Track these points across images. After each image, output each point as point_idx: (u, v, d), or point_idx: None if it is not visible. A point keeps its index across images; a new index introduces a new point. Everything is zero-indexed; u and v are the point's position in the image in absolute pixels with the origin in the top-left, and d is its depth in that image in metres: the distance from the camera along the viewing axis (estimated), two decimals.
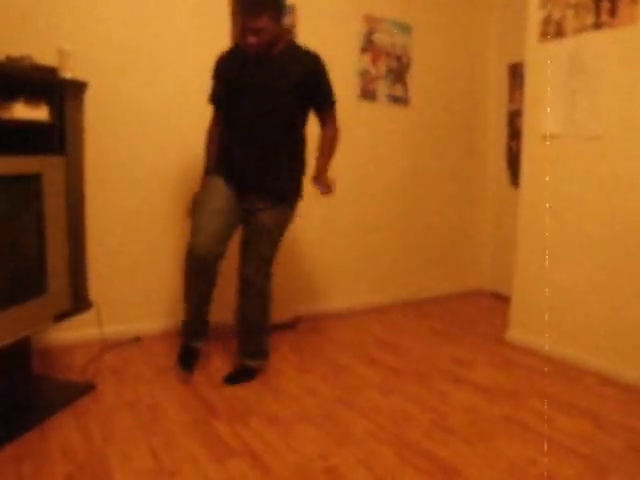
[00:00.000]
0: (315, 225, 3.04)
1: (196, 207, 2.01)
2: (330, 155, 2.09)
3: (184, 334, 2.17)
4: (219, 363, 2.32)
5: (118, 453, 1.59)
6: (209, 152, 2.13)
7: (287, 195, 2.04)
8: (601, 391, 2.06)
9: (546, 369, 2.29)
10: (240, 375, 2.12)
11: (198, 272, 1.97)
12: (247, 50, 1.90)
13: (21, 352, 1.86)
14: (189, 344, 2.17)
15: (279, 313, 2.82)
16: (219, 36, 2.68)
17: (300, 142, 2.06)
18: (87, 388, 1.99)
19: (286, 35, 1.99)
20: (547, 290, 2.46)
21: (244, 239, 2.07)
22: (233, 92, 1.98)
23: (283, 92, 1.93)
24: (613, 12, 2.12)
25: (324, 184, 2.07)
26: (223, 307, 2.78)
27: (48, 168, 1.82)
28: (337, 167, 3.06)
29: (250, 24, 1.81)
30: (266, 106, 1.94)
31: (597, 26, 2.19)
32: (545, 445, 1.66)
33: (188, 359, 2.15)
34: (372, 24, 3.07)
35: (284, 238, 2.18)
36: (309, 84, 1.95)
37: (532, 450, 1.63)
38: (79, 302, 2.02)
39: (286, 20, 2.81)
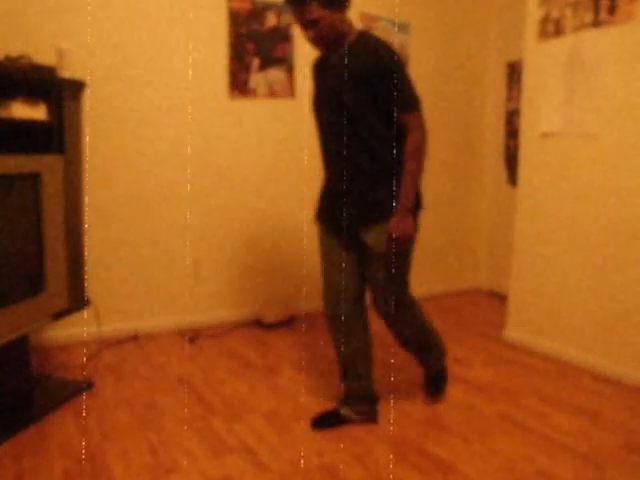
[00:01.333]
0: (312, 222, 3.05)
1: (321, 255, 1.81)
2: (406, 177, 1.63)
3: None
4: (221, 361, 2.33)
5: (116, 450, 1.60)
6: None
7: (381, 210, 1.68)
8: (598, 389, 2.07)
9: (543, 367, 2.30)
10: (435, 386, 1.98)
11: (333, 330, 1.79)
12: (316, 48, 1.69)
13: (20, 350, 1.87)
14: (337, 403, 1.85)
15: (275, 311, 2.83)
16: (218, 36, 2.68)
17: (389, 149, 1.67)
18: (85, 386, 2.00)
19: (352, 27, 1.68)
20: (544, 289, 2.47)
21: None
22: (314, 104, 1.76)
23: (351, 97, 1.62)
24: (612, 10, 2.12)
25: (395, 225, 1.62)
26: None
27: (46, 167, 1.82)
28: None
29: (301, 17, 1.62)
30: (337, 115, 1.65)
31: (596, 24, 2.19)
32: (542, 443, 1.67)
33: (325, 419, 1.80)
34: (369, 22, 3.07)
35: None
36: (376, 83, 1.62)
37: (529, 448, 1.64)
38: (77, 300, 2.02)
39: (283, 20, 2.81)
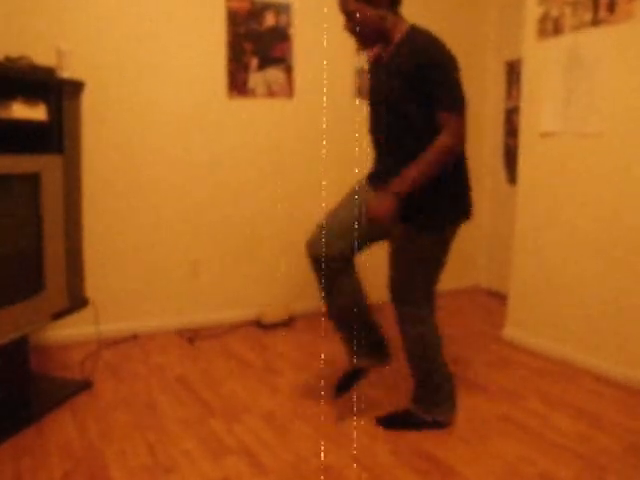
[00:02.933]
0: (311, 222, 3.05)
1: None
2: (419, 164, 1.56)
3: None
4: (220, 361, 2.33)
5: (115, 450, 1.60)
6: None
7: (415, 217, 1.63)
8: (599, 390, 2.06)
9: (543, 368, 2.29)
10: (395, 419, 1.79)
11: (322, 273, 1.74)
12: (356, 43, 1.69)
13: (19, 350, 1.87)
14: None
15: (275, 311, 2.83)
16: (217, 35, 2.67)
17: (421, 150, 1.60)
18: (84, 385, 2.00)
19: (401, 25, 1.65)
20: (544, 288, 2.46)
21: None
22: (369, 98, 1.77)
23: (399, 98, 1.60)
24: (611, 8, 2.12)
25: (372, 203, 1.58)
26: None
27: (46, 167, 1.82)
28: (331, 164, 3.05)
29: (341, 7, 1.62)
30: (383, 113, 1.65)
31: (595, 23, 2.18)
32: (542, 445, 1.67)
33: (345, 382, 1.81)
34: None
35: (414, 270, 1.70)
36: (420, 79, 1.57)
37: (529, 449, 1.63)
38: (76, 300, 2.02)
39: (281, 20, 2.81)
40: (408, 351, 1.78)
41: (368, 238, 1.75)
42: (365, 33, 1.65)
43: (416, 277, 1.69)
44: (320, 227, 1.74)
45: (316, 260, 1.73)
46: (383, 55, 1.69)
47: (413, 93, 1.59)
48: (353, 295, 1.76)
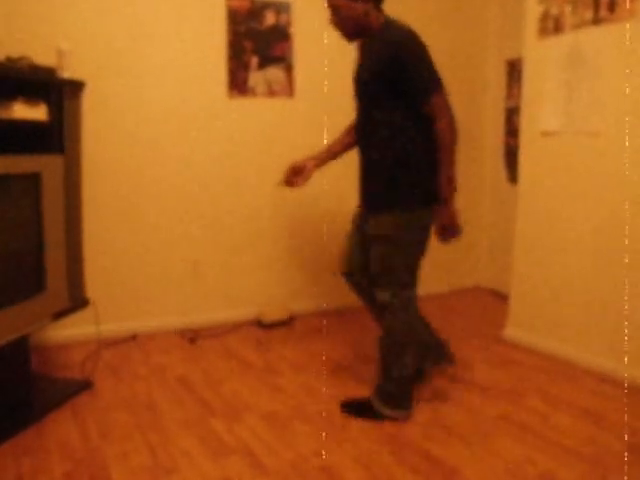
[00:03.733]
0: (311, 221, 3.04)
1: None
2: (442, 166, 1.62)
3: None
4: (221, 361, 2.32)
5: (115, 450, 1.60)
6: None
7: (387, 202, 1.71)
8: (601, 390, 2.05)
9: (545, 367, 2.29)
10: (356, 407, 1.83)
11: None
12: (341, 36, 1.76)
13: (19, 350, 1.87)
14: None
15: (275, 311, 2.83)
16: (217, 34, 2.67)
17: (402, 140, 1.67)
18: (84, 385, 2.00)
19: (380, 19, 1.71)
20: (545, 287, 2.46)
21: None
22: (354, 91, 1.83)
23: (370, 82, 1.68)
24: (612, 7, 2.11)
25: (441, 222, 1.65)
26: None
27: (46, 167, 1.82)
28: (332, 163, 3.05)
29: (327, 1, 1.69)
30: (363, 103, 1.73)
31: (596, 21, 2.18)
32: (544, 445, 1.66)
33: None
34: None
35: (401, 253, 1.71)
36: (395, 69, 1.62)
37: (531, 450, 1.63)
38: (77, 300, 2.02)
39: (282, 18, 2.80)
40: (380, 339, 1.81)
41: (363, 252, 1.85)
42: (349, 27, 1.72)
43: (395, 263, 1.70)
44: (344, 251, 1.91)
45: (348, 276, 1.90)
46: (364, 48, 1.76)
47: (387, 85, 1.65)
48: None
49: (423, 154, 1.68)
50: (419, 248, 1.73)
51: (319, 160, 2.00)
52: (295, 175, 1.96)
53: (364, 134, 1.75)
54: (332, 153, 2.01)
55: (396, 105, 1.66)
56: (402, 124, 1.66)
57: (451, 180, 1.64)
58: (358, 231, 1.87)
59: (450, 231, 1.69)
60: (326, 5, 1.70)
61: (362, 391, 2.02)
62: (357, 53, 1.84)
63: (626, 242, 2.13)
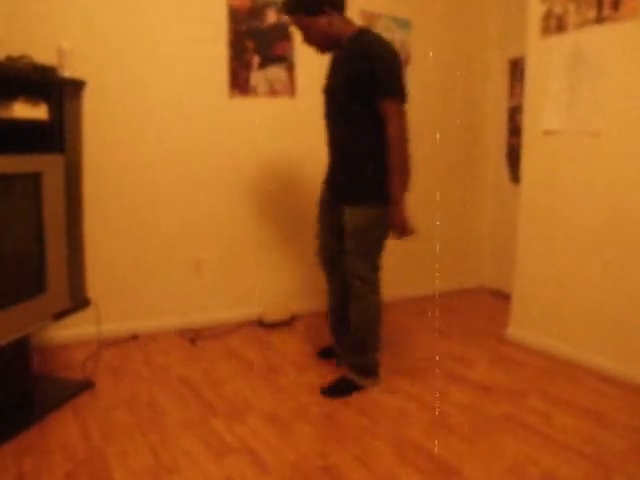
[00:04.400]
0: (314, 221, 3.04)
1: None
2: (393, 172, 1.75)
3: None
4: (222, 361, 2.32)
5: (117, 450, 1.60)
6: None
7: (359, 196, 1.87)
8: (603, 390, 2.04)
9: (547, 367, 2.28)
10: (337, 388, 1.98)
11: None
12: (316, 51, 1.92)
13: (21, 350, 1.86)
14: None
15: (276, 311, 2.82)
16: (218, 33, 2.67)
17: (367, 139, 1.81)
18: (86, 386, 2.00)
19: (348, 28, 1.82)
20: (548, 287, 2.45)
21: None
22: (323, 93, 1.97)
23: (339, 90, 1.82)
24: (616, 6, 2.10)
25: (392, 221, 1.81)
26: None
27: (47, 167, 1.82)
28: None
29: (294, 25, 1.85)
30: (332, 108, 1.88)
31: (599, 20, 2.17)
32: (547, 444, 1.66)
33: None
34: (370, 20, 3.05)
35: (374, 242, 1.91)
36: (363, 75, 1.74)
37: (533, 449, 1.62)
38: (78, 300, 2.02)
39: (283, 17, 2.80)
40: (354, 322, 1.97)
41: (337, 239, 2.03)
42: (320, 41, 1.83)
43: (367, 255, 1.89)
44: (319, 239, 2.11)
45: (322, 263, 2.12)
46: (336, 54, 1.87)
47: (354, 90, 1.76)
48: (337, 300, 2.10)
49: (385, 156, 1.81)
50: (380, 239, 1.91)
51: None
52: None
53: (335, 141, 1.90)
54: None
55: (365, 108, 1.77)
56: (369, 126, 1.79)
57: (400, 182, 1.76)
58: (326, 215, 2.06)
59: (400, 231, 1.83)
60: (294, 27, 1.82)
61: (362, 391, 2.01)
62: (329, 64, 1.94)
63: (629, 241, 2.12)
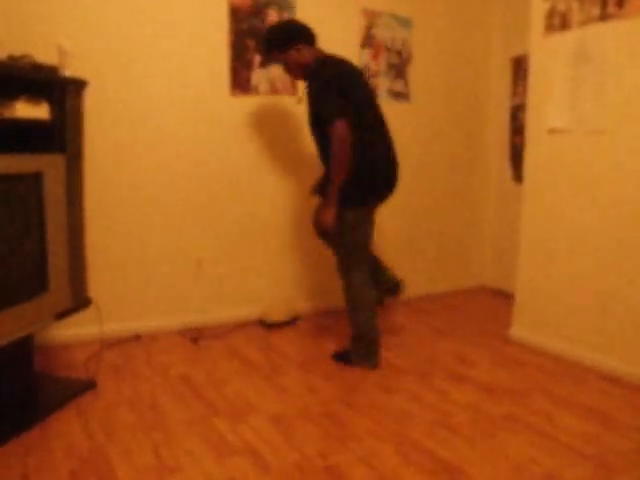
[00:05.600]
0: None
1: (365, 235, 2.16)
2: (331, 176, 2.02)
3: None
4: (224, 361, 2.32)
5: (120, 450, 1.60)
6: None
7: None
8: (606, 389, 2.04)
9: (550, 367, 2.27)
10: (342, 356, 2.28)
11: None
12: (295, 79, 2.27)
13: (23, 350, 1.86)
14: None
15: (279, 310, 2.81)
16: (219, 32, 2.66)
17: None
18: (88, 385, 2.00)
19: (310, 52, 2.14)
20: (551, 287, 2.44)
21: None
22: None
23: (311, 118, 2.14)
24: (620, 3, 2.09)
25: (315, 213, 2.14)
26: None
27: (49, 166, 1.81)
28: None
29: (273, 60, 2.23)
30: (313, 129, 2.16)
31: (603, 18, 2.15)
32: (549, 445, 1.65)
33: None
34: (371, 18, 3.04)
35: (348, 241, 2.15)
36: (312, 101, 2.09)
37: (536, 450, 1.62)
38: (79, 300, 2.02)
39: (284, 16, 2.79)
40: (347, 310, 2.22)
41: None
42: (294, 71, 2.17)
43: (341, 252, 2.16)
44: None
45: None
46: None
47: (314, 113, 2.08)
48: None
49: (363, 163, 2.07)
50: (367, 231, 2.16)
51: None
52: None
53: (321, 153, 2.17)
54: None
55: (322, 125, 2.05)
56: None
57: (334, 191, 2.02)
58: None
59: (320, 228, 2.10)
60: (278, 64, 2.09)
61: (365, 389, 2.01)
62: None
63: (632, 240, 2.11)
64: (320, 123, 2.04)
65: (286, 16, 2.79)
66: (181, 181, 2.68)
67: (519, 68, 3.33)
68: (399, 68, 3.17)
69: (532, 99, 2.49)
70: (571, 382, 2.11)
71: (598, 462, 1.54)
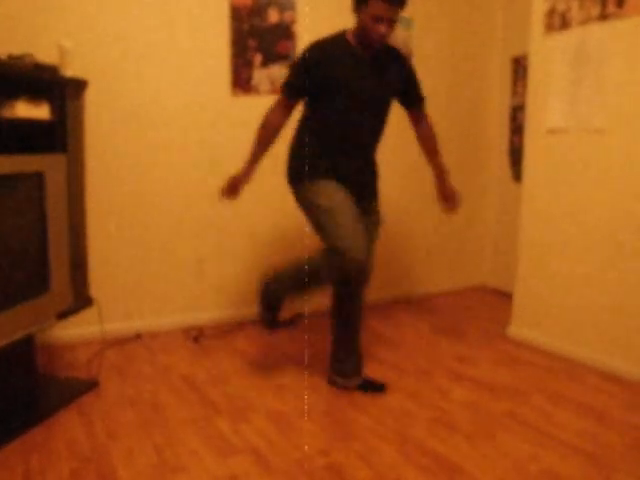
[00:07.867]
0: None
1: (333, 208, 1.91)
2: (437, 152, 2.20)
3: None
4: (226, 360, 2.32)
5: (122, 449, 1.60)
6: (267, 141, 2.05)
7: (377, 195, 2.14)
8: (605, 388, 2.05)
9: (548, 365, 2.28)
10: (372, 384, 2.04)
11: (359, 282, 1.89)
12: (371, 42, 1.82)
13: (25, 350, 1.87)
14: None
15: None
16: (220, 32, 2.66)
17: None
18: (90, 385, 2.01)
19: None
20: (550, 286, 2.45)
21: None
22: (336, 91, 1.88)
23: (388, 98, 1.99)
24: (620, 2, 2.09)
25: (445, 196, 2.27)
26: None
27: (50, 167, 1.82)
28: None
29: (391, 13, 1.75)
30: (376, 114, 1.97)
31: (603, 17, 2.16)
32: (548, 442, 1.66)
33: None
34: None
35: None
36: (407, 83, 2.02)
37: (535, 447, 1.63)
38: (81, 300, 2.03)
39: (285, 16, 2.79)
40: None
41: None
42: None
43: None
44: (356, 232, 1.87)
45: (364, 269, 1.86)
46: (373, 55, 1.96)
47: (397, 90, 2.05)
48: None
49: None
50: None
51: None
52: None
53: (373, 142, 2.11)
54: None
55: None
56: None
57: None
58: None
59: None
60: (378, 16, 1.74)
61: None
62: (351, 59, 1.96)
63: (632, 240, 2.12)
64: (389, 102, 1.97)
65: (287, 16, 2.79)
66: (182, 180, 2.68)
67: (519, 68, 3.33)
68: None
69: (532, 99, 2.49)
70: (570, 380, 2.12)
71: (596, 459, 1.56)
